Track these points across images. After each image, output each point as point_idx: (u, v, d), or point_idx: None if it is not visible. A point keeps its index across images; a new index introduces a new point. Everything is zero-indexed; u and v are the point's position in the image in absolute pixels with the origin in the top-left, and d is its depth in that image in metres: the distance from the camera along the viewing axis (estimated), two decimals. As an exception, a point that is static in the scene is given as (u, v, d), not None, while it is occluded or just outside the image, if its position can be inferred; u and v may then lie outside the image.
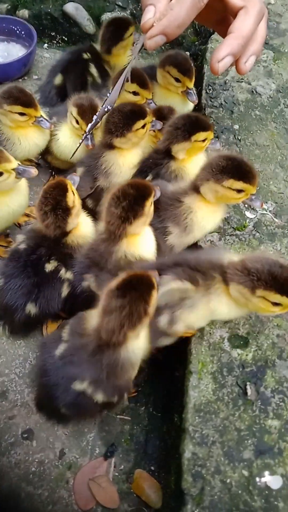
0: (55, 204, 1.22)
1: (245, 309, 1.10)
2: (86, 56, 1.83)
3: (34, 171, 1.32)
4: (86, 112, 1.51)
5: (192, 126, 1.33)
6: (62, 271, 1.27)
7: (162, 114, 1.51)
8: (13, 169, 1.29)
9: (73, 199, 1.25)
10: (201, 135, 1.34)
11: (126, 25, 1.76)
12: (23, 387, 1.33)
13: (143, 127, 1.41)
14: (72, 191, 1.26)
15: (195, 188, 1.27)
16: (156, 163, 1.41)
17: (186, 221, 1.28)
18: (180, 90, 1.60)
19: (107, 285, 1.04)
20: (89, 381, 1.08)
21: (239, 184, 1.20)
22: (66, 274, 1.28)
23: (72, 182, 1.31)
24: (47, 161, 1.77)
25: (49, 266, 1.27)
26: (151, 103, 1.58)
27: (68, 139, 1.61)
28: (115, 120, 1.39)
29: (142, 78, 1.54)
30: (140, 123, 1.39)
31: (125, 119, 1.38)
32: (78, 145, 1.51)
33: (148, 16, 1.18)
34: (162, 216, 1.30)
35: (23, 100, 1.45)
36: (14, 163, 1.30)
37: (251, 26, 1.22)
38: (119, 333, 0.99)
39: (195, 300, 1.08)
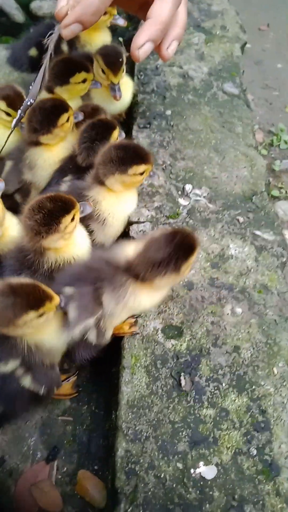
0: None
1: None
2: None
3: None
4: (15, 102, 1.45)
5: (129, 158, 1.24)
6: None
7: (85, 112, 1.45)
8: None
9: None
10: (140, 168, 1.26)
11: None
12: None
13: (67, 120, 1.36)
14: None
15: (99, 181, 1.25)
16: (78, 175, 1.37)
17: (98, 213, 1.25)
18: (105, 82, 1.52)
19: None
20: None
21: (142, 167, 1.22)
22: None
23: None
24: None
25: None
26: (118, 90, 1.51)
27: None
28: (39, 118, 1.33)
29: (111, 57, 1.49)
30: (64, 117, 1.35)
31: (48, 115, 1.33)
32: (6, 138, 1.44)
33: (61, 3, 1.12)
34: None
35: None
36: None
37: (169, 10, 1.18)
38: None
39: (113, 310, 1.05)
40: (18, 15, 2.10)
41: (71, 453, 1.22)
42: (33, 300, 0.96)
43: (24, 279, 1.00)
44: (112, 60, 1.48)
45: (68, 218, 1.10)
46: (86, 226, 1.25)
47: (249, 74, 3.69)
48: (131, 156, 1.22)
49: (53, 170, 1.39)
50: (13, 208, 1.32)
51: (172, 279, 1.03)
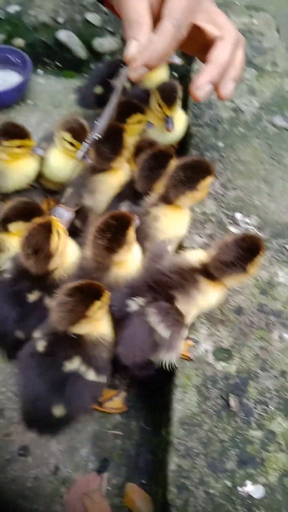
0: (36, 248, 1.23)
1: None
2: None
3: None
4: (79, 134, 1.57)
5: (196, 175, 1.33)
6: (47, 300, 1.30)
7: (143, 146, 1.55)
8: None
9: (57, 241, 1.26)
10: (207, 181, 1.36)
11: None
12: (20, 405, 1.37)
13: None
14: (58, 231, 1.27)
15: (166, 200, 1.36)
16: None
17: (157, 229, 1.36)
18: (160, 115, 1.63)
19: None
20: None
21: (209, 180, 1.33)
22: (51, 302, 1.28)
23: (58, 217, 1.34)
24: (40, 184, 1.83)
25: (32, 297, 1.30)
26: (171, 122, 1.63)
27: (58, 162, 1.67)
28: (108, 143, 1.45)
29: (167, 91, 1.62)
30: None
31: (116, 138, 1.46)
32: (71, 166, 1.56)
33: (131, 49, 1.23)
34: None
35: (20, 134, 1.54)
36: None
37: (228, 54, 1.29)
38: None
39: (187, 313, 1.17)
40: (81, 52, 2.25)
41: (120, 466, 1.28)
42: (95, 291, 1.12)
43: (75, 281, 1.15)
44: (168, 95, 1.60)
45: (131, 230, 1.23)
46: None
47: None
48: (197, 172, 1.31)
49: (112, 195, 1.49)
50: (72, 232, 1.43)
51: (240, 278, 1.18)
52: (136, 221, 1.30)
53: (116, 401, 1.37)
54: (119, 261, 1.25)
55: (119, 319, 1.20)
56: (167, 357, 1.14)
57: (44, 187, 1.84)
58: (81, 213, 1.54)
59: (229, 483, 1.01)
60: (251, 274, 1.18)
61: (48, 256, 1.25)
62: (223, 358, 1.20)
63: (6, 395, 1.39)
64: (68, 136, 1.58)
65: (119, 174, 1.53)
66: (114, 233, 1.20)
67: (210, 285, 1.18)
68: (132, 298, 1.18)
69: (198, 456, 1.05)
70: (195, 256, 1.22)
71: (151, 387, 1.37)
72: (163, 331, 1.13)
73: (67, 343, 1.16)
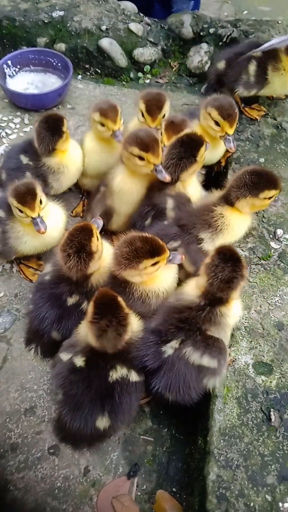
0: (79, 248, 1.24)
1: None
2: (256, 54, 1.81)
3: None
4: (108, 113, 1.57)
5: (262, 183, 1.35)
6: (85, 304, 1.32)
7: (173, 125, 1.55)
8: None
9: (97, 244, 1.28)
10: (271, 193, 1.37)
11: None
12: (51, 403, 1.37)
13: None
14: (97, 236, 1.29)
15: (228, 201, 1.37)
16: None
17: (217, 225, 1.37)
18: (219, 134, 1.56)
19: None
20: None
21: (273, 192, 1.35)
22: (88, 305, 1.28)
23: (96, 225, 1.35)
24: (77, 185, 1.84)
25: (71, 300, 1.32)
26: (160, 170, 1.44)
27: (94, 153, 1.69)
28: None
29: (145, 141, 1.43)
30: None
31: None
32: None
33: None
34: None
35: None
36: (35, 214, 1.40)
37: None
38: None
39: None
40: (122, 60, 2.29)
41: (150, 472, 1.28)
42: (152, 249, 1.19)
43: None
44: (228, 112, 1.53)
45: (149, 261, 1.21)
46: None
47: None
48: (263, 182, 1.34)
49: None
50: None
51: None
52: (176, 259, 1.28)
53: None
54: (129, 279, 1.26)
55: (156, 368, 1.18)
56: (213, 383, 1.16)
57: (82, 189, 1.86)
58: (105, 212, 1.59)
59: (269, 498, 1.01)
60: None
61: (89, 255, 1.25)
62: (263, 372, 1.20)
63: (38, 393, 1.40)
64: (143, 107, 1.59)
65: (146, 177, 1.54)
66: (130, 253, 1.21)
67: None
68: (165, 344, 1.17)
69: (239, 468, 1.05)
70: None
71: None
72: (209, 362, 1.13)
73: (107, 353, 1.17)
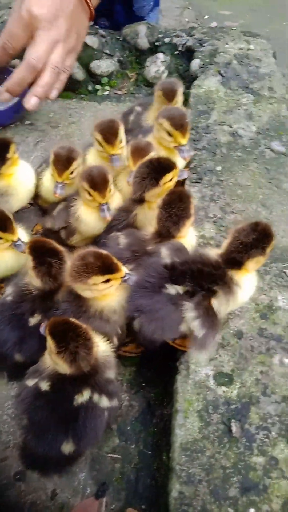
0: (51, 254, 1.26)
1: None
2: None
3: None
4: (109, 136, 1.59)
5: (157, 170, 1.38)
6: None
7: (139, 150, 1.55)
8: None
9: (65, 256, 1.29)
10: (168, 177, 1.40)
11: None
12: (15, 428, 1.35)
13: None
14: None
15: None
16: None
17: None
18: (172, 145, 1.56)
19: None
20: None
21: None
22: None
23: None
24: (37, 204, 1.84)
25: (33, 320, 1.30)
26: (103, 209, 1.48)
27: (51, 183, 1.68)
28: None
29: (95, 179, 1.46)
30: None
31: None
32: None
33: None
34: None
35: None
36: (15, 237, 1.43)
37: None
38: None
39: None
40: (79, 73, 2.28)
41: (119, 491, 1.26)
42: (103, 266, 1.18)
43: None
44: (179, 121, 1.52)
45: (99, 278, 1.19)
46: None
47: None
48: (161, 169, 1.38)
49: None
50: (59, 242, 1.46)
51: (259, 262, 1.22)
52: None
53: (131, 346, 1.40)
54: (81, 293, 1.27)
55: (152, 292, 1.21)
56: (197, 356, 1.20)
57: (41, 206, 1.85)
58: (68, 228, 1.59)
59: (231, 511, 1.01)
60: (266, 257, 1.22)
61: (62, 263, 1.27)
62: (224, 383, 1.20)
63: (2, 418, 1.38)
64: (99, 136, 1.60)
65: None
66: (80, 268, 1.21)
67: (239, 273, 1.21)
68: (172, 284, 1.20)
69: (201, 483, 1.05)
70: (213, 252, 1.26)
71: (152, 410, 1.37)
72: (197, 329, 1.16)
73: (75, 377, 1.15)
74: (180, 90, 1.72)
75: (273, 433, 1.12)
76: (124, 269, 1.24)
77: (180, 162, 1.63)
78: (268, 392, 1.19)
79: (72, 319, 1.14)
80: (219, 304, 1.18)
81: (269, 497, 1.03)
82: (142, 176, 1.41)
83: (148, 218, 1.43)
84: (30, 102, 1.83)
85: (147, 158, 1.47)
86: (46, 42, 1.74)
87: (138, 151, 1.53)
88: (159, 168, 1.41)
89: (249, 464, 1.07)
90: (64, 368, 1.12)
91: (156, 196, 1.41)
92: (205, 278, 1.19)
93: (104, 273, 1.18)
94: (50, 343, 1.12)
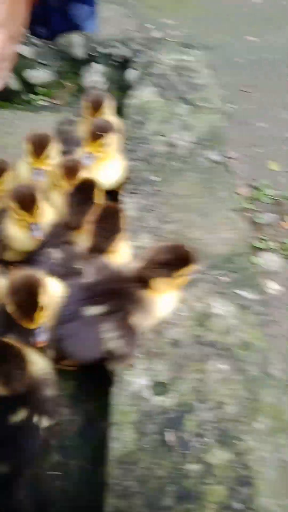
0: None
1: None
2: None
3: None
4: (37, 149, 1.58)
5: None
6: None
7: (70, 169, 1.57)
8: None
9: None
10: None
11: None
12: None
13: None
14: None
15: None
16: None
17: None
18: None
19: None
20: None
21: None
22: None
23: None
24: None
25: None
26: (34, 228, 1.45)
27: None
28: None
29: (24, 199, 1.43)
30: None
31: None
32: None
33: None
34: None
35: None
36: None
37: None
38: None
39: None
40: (14, 83, 2.26)
41: (60, 509, 1.24)
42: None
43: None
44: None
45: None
46: None
47: (233, 133, 3.93)
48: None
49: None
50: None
51: (166, 283, 1.22)
52: None
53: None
54: None
55: (71, 315, 1.23)
56: (115, 365, 1.23)
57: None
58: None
59: (166, 521, 1.01)
60: (177, 283, 1.23)
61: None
62: (159, 393, 1.21)
63: None
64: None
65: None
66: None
67: (150, 293, 1.23)
68: (89, 305, 1.22)
69: (135, 495, 1.04)
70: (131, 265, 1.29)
71: (88, 422, 1.35)
72: (117, 347, 1.20)
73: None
74: (107, 102, 1.74)
75: (208, 439, 1.14)
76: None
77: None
78: (203, 399, 1.21)
79: (7, 339, 1.12)
80: (138, 319, 1.21)
81: (204, 504, 1.04)
82: (73, 205, 1.45)
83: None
84: None
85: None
86: None
87: (70, 170, 1.55)
88: (86, 188, 1.46)
89: (184, 472, 1.08)
90: None
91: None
92: (120, 297, 1.21)
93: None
94: None
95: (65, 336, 1.23)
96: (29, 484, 1.26)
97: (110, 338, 1.20)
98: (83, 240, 1.46)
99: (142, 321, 1.23)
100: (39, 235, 1.45)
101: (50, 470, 1.30)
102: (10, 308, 1.19)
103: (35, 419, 1.14)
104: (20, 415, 1.12)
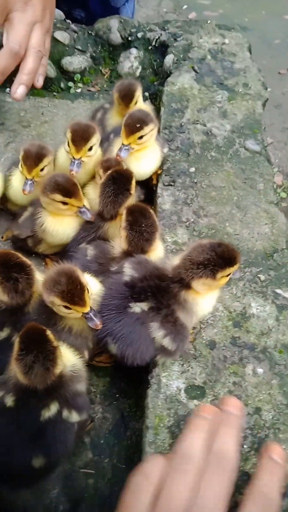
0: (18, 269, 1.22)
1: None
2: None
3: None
4: (79, 139, 1.53)
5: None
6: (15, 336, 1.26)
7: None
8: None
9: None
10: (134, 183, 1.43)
11: None
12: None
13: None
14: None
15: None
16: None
17: None
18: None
19: None
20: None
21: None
22: None
23: None
24: (7, 208, 1.78)
25: (3, 334, 1.27)
26: (84, 211, 1.44)
27: (21, 183, 1.62)
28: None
29: (67, 186, 1.42)
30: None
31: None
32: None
33: None
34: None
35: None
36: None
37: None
38: None
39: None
40: (50, 71, 2.21)
41: (92, 507, 1.24)
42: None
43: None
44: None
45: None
46: None
47: (268, 118, 3.79)
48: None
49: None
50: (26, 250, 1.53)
51: (209, 284, 1.16)
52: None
53: (104, 356, 1.38)
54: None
55: (117, 313, 1.19)
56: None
57: (9, 210, 1.80)
58: (34, 237, 1.54)
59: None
60: (220, 284, 1.18)
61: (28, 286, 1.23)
62: (196, 396, 1.18)
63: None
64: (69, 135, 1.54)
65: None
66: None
67: (190, 294, 1.18)
68: (135, 302, 1.18)
69: (171, 502, 1.02)
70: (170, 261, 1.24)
71: (122, 421, 1.34)
72: (169, 345, 1.16)
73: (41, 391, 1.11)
74: (138, 92, 1.69)
75: (245, 447, 1.10)
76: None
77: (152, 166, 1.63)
78: (241, 404, 1.17)
79: (49, 332, 1.10)
80: (184, 317, 1.16)
81: None
82: (108, 195, 1.40)
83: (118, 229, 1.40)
84: (18, 92, 1.73)
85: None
86: (24, 24, 1.65)
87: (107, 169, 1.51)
88: (122, 178, 1.41)
89: (221, 481, 1.05)
90: (19, 376, 1.09)
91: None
92: (163, 295, 1.17)
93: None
94: (16, 344, 1.09)
95: (115, 338, 1.19)
96: (61, 481, 1.27)
97: (161, 336, 1.16)
98: (116, 232, 1.44)
99: (185, 321, 1.19)
100: (90, 216, 1.44)
101: (83, 467, 1.29)
102: (50, 301, 1.16)
103: (65, 413, 1.12)
104: (52, 410, 1.11)
